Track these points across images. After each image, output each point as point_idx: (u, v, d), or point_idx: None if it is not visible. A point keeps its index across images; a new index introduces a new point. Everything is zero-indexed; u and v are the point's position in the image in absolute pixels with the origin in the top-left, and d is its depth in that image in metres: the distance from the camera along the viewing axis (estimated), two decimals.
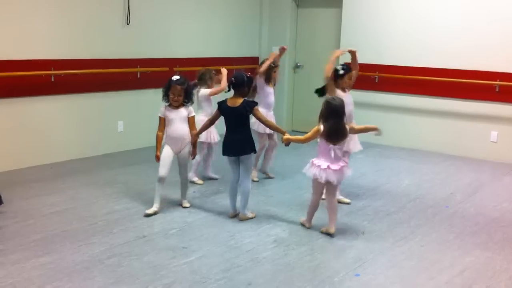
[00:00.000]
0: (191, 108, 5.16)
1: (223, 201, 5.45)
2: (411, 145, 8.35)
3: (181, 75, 5.19)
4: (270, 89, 6.19)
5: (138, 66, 7.65)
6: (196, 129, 5.15)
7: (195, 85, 5.81)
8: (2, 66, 6.21)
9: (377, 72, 8.52)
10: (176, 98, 5.01)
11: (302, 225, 4.92)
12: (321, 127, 4.50)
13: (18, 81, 6.38)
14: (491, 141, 7.73)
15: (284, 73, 9.45)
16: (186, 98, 5.08)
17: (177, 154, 5.11)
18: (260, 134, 6.15)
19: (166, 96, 5.07)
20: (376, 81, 8.57)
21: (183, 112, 5.08)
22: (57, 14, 6.74)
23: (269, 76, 6.15)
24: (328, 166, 4.51)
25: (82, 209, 5.16)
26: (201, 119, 5.54)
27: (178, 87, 5.00)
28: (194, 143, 5.14)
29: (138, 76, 7.70)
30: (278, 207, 5.41)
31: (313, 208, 4.84)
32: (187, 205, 5.33)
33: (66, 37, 6.85)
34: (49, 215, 4.96)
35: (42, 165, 6.63)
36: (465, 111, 7.92)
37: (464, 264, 4.23)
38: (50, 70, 6.68)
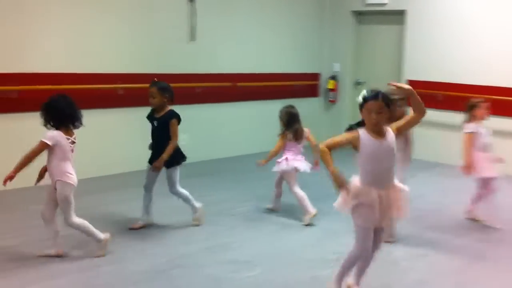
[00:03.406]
0: None
1: (282, 217, 5.49)
2: None
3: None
4: None
5: (201, 81, 7.83)
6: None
7: None
8: (78, 79, 6.49)
9: (441, 90, 8.37)
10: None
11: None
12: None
13: (90, 93, 6.62)
14: None
15: (345, 89, 9.45)
16: None
17: None
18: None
19: None
20: (439, 99, 8.42)
21: None
22: (125, 30, 7.00)
23: None
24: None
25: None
26: None
27: None
28: None
29: (198, 90, 7.87)
30: (341, 222, 5.34)
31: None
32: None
33: (132, 52, 7.08)
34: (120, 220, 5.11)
35: (112, 174, 6.85)
36: None
37: None
38: (117, 83, 6.91)
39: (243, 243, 4.84)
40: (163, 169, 4.94)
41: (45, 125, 4.09)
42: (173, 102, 4.99)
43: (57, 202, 4.15)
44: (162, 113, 4.88)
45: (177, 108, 7.65)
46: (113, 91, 6.96)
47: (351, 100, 9.64)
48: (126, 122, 7.10)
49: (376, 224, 3.51)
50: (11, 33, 6.08)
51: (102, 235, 4.29)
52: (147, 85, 7.08)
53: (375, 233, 3.55)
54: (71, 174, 4.12)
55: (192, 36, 7.70)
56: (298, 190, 5.42)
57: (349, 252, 3.59)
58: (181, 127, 7.63)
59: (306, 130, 5.53)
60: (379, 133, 3.43)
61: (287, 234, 5.09)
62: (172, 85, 7.34)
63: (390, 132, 3.48)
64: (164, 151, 4.81)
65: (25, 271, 4.06)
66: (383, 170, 3.48)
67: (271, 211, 5.73)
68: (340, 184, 3.40)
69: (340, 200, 3.56)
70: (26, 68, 6.20)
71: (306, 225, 5.30)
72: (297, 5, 9.22)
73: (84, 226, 4.22)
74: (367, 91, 3.46)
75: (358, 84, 9.64)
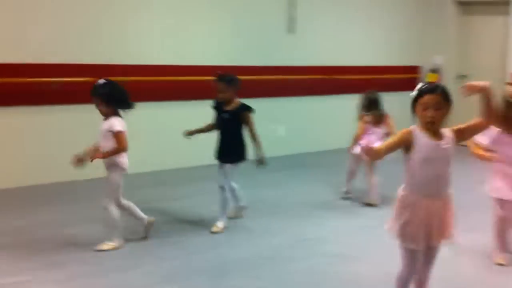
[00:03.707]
0: None
1: (376, 210, 5.44)
2: None
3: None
4: None
5: (300, 74, 7.87)
6: None
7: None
8: (181, 71, 6.73)
9: None
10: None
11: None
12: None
13: (181, 85, 6.84)
14: None
15: (447, 83, 9.14)
16: None
17: None
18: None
19: None
20: None
21: None
22: (222, 21, 7.17)
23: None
24: None
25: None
26: None
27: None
28: None
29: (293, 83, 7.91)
30: None
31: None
32: None
33: (229, 44, 7.24)
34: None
35: (198, 166, 6.85)
36: None
37: None
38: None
39: (338, 235, 4.82)
40: (217, 162, 4.81)
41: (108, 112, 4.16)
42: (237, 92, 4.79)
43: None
44: (233, 105, 4.69)
45: (272, 101, 7.86)
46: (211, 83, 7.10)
47: (453, 94, 9.31)
48: None
49: (425, 244, 3.06)
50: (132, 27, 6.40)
51: (146, 217, 4.42)
52: (248, 77, 7.25)
53: (426, 251, 3.11)
54: (124, 159, 4.26)
55: (291, 28, 7.75)
56: (373, 176, 5.55)
57: (398, 272, 3.21)
58: (276, 119, 7.82)
59: (387, 115, 5.57)
60: (435, 134, 2.96)
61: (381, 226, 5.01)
62: (268, 77, 7.56)
63: (448, 134, 3.00)
64: (237, 144, 4.73)
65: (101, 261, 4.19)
66: (436, 177, 2.99)
67: (348, 197, 5.83)
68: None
69: (390, 221, 3.14)
70: (136, 60, 6.50)
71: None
72: None
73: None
74: (423, 84, 3.04)
75: (461, 77, 9.30)
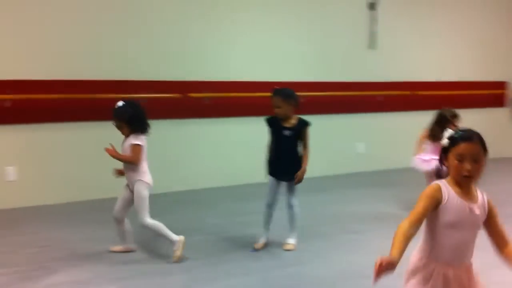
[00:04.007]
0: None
1: None
2: None
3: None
4: None
5: (380, 90, 7.83)
6: None
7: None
8: (250, 87, 6.87)
9: None
10: None
11: None
12: None
13: (265, 101, 6.94)
14: None
15: None
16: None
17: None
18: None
19: None
20: None
21: None
22: (303, 37, 7.25)
23: None
24: None
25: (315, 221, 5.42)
26: None
27: None
28: None
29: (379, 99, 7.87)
30: None
31: None
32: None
33: (311, 60, 7.32)
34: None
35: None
36: None
37: None
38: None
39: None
40: (271, 180, 4.61)
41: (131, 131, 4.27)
42: (298, 109, 4.58)
43: (130, 202, 4.36)
44: (293, 122, 4.50)
45: (353, 117, 7.86)
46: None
47: None
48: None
49: None
50: (212, 44, 6.62)
51: (176, 237, 4.35)
52: (329, 93, 7.28)
53: None
54: (148, 174, 4.35)
55: (372, 43, 7.73)
56: None
57: None
58: (356, 135, 7.81)
59: None
60: (467, 193, 2.42)
61: None
62: (349, 93, 7.57)
63: (481, 198, 2.45)
64: (298, 160, 4.52)
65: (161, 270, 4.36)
66: (462, 244, 2.45)
67: None
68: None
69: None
70: (220, 77, 6.70)
71: None
72: (486, 9, 8.79)
73: (157, 227, 4.30)
74: (456, 130, 2.47)
75: None
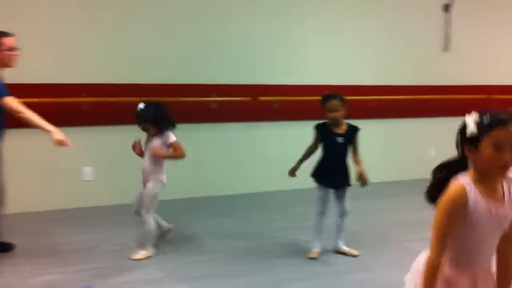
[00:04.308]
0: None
1: None
2: None
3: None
4: None
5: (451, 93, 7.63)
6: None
7: None
8: (322, 91, 6.83)
9: None
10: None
11: None
12: None
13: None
14: None
15: None
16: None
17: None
18: None
19: None
20: None
21: None
22: (377, 40, 7.18)
23: None
24: None
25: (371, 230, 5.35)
26: None
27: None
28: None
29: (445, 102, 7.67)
30: None
31: None
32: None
33: (384, 64, 7.24)
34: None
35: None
36: None
37: None
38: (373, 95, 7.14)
39: None
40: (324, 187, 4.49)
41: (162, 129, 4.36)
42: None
43: None
44: (344, 127, 4.40)
45: (426, 121, 7.66)
46: (367, 102, 7.16)
47: None
48: (377, 133, 7.25)
49: None
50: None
51: (150, 249, 4.44)
52: (402, 96, 7.14)
53: None
54: (165, 174, 4.44)
55: (446, 46, 7.55)
56: None
57: None
58: (428, 139, 7.61)
59: None
60: (493, 190, 2.05)
61: None
62: (422, 96, 7.40)
63: (508, 189, 2.10)
64: (348, 167, 4.44)
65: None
66: (487, 249, 2.14)
67: None
68: None
69: None
70: (291, 81, 6.72)
71: None
72: None
73: (151, 230, 4.40)
74: (485, 114, 2.03)
75: None
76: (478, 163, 2.02)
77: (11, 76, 4.36)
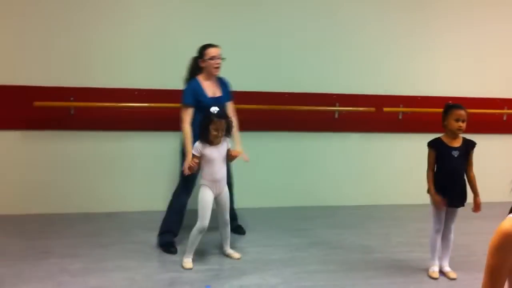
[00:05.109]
0: None
1: None
2: None
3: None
4: None
5: None
6: None
7: None
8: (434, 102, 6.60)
9: None
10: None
11: None
12: None
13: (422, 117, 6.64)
14: None
15: None
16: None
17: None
18: None
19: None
20: None
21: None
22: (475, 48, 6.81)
23: None
24: None
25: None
26: None
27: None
28: None
29: None
30: None
31: None
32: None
33: (474, 74, 6.79)
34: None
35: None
36: None
37: None
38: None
39: None
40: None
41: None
42: None
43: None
44: (460, 141, 4.24)
45: None
46: (497, 116, 6.82)
47: None
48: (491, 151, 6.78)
49: None
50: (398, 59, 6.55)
51: (190, 257, 4.44)
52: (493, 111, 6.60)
53: None
54: None
55: None
56: None
57: None
58: None
59: None
60: None
61: None
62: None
63: None
64: (465, 184, 4.26)
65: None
66: None
67: None
68: None
69: None
70: (417, 92, 6.53)
71: None
72: None
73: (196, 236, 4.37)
74: None
75: None
76: None
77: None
